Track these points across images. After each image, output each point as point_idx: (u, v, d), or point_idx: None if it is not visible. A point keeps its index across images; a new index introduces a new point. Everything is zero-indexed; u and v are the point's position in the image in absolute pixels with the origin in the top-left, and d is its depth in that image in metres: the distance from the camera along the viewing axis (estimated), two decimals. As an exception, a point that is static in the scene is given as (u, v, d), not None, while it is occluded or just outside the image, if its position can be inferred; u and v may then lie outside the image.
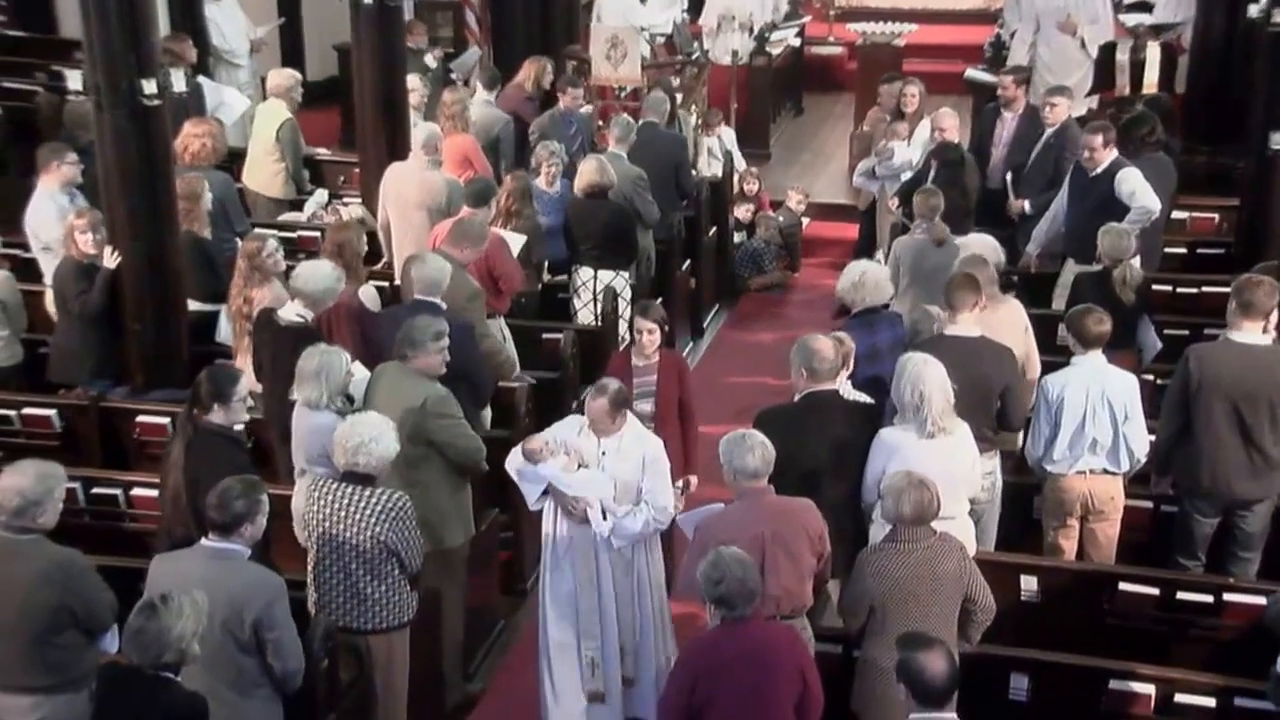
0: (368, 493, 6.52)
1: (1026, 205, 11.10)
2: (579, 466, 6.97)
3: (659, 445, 7.09)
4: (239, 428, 7.11)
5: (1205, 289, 10.18)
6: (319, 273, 8.05)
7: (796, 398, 7.22)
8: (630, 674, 7.20)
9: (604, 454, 6.99)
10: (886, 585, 6.13)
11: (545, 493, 7.04)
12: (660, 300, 11.08)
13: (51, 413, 8.76)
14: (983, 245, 8.89)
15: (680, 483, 7.71)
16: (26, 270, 10.14)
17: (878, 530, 6.93)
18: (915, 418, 6.88)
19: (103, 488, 8.06)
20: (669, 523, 7.10)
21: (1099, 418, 7.53)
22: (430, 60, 14.08)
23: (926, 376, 6.87)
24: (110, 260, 8.81)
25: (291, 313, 7.95)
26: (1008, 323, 8.22)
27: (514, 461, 7.08)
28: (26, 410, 8.78)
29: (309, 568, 6.72)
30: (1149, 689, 6.59)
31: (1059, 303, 9.76)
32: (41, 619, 5.97)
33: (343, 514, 6.51)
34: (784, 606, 6.33)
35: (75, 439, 8.75)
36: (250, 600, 5.85)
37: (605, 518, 6.90)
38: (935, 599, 6.16)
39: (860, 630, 6.31)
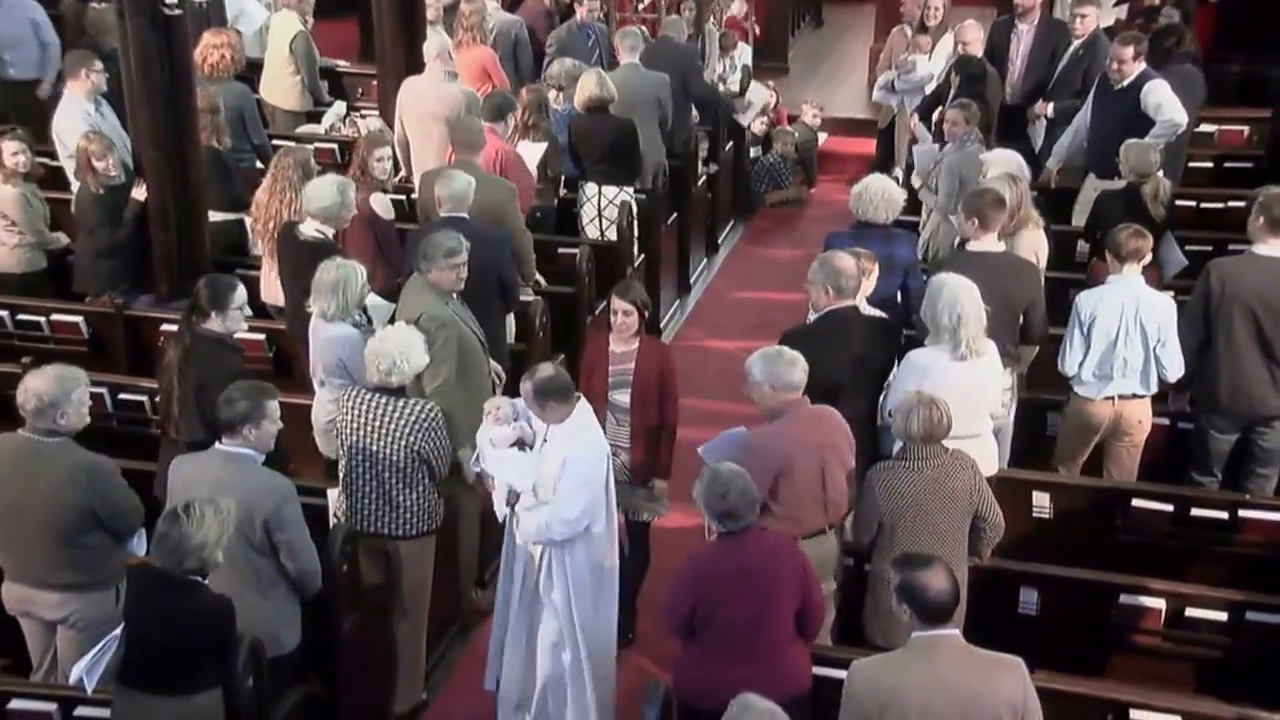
0: (401, 403, 6.62)
1: (1050, 109, 10.97)
2: (518, 443, 6.52)
3: (589, 451, 6.34)
4: (238, 335, 7.18)
5: (1231, 204, 10.02)
6: (321, 190, 8.04)
7: (812, 316, 7.22)
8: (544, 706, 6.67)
9: (545, 440, 6.43)
10: (896, 502, 6.17)
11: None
12: (675, 216, 11.20)
13: (79, 319, 8.84)
14: (1007, 161, 8.84)
15: (651, 483, 7.24)
16: (55, 178, 10.15)
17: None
18: (950, 340, 6.86)
19: (129, 394, 8.14)
20: (564, 536, 6.36)
21: (1131, 338, 7.48)
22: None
23: (963, 299, 6.83)
24: (139, 192, 8.84)
25: (311, 228, 7.98)
26: (1027, 248, 8.19)
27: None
28: (55, 316, 8.86)
29: (340, 475, 6.82)
30: (1159, 603, 6.65)
31: (1079, 219, 9.73)
32: (68, 520, 6.08)
33: (377, 424, 6.62)
34: (841, 511, 6.45)
35: (103, 346, 8.84)
36: (260, 503, 5.94)
37: (512, 505, 6.43)
38: (945, 516, 6.20)
39: (870, 544, 6.36)
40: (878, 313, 7.54)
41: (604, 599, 6.55)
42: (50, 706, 5.88)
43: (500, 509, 6.49)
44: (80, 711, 5.85)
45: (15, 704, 5.88)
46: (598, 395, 7.05)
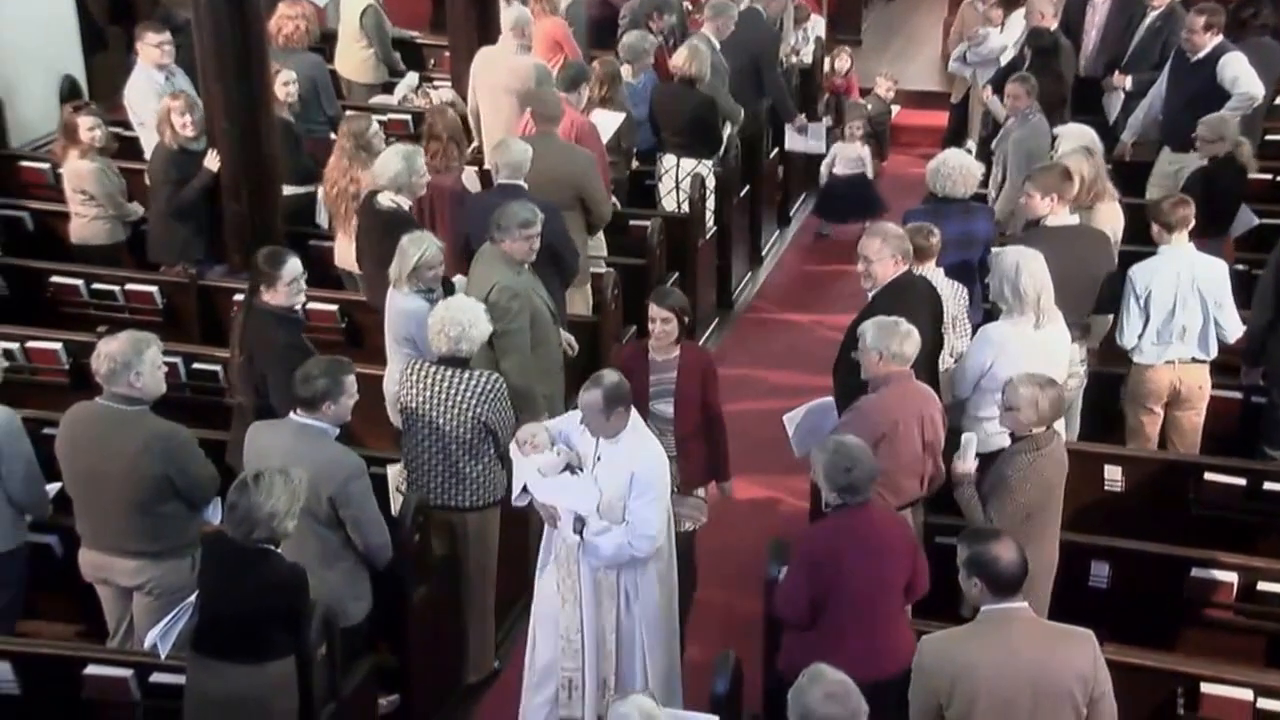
0: (466, 374, 6.63)
1: (1128, 82, 10.83)
2: (567, 469, 6.16)
3: (655, 462, 6.09)
4: (299, 307, 7.20)
5: (1311, 180, 9.88)
6: (387, 160, 8.07)
7: (872, 294, 7.03)
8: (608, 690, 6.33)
9: (599, 458, 6.10)
10: (1041, 493, 6.10)
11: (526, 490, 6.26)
12: (748, 189, 11.16)
13: (154, 289, 8.94)
14: (1079, 134, 8.74)
15: (701, 491, 7.02)
16: (129, 148, 10.27)
17: (973, 426, 6.95)
18: (1031, 311, 6.83)
19: (202, 363, 8.23)
20: (647, 552, 6.11)
21: (1189, 305, 7.46)
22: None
23: (1033, 270, 6.80)
24: (212, 161, 8.92)
25: (387, 198, 8.03)
26: (1104, 222, 8.09)
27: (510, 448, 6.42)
28: (130, 286, 8.96)
29: (401, 449, 6.86)
30: (1231, 577, 6.59)
31: (1153, 192, 9.61)
32: (144, 488, 6.16)
33: (442, 396, 6.63)
34: (936, 483, 6.44)
35: (177, 315, 8.94)
36: (327, 478, 5.96)
37: (581, 531, 6.05)
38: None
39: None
40: (949, 283, 7.51)
41: (674, 620, 6.39)
42: (126, 672, 5.96)
43: (570, 538, 6.09)
44: (156, 677, 5.92)
45: (92, 669, 5.96)
46: (639, 406, 6.59)
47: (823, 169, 12.08)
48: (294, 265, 6.99)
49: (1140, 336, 7.55)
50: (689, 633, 7.02)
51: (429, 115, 9.36)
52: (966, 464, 6.19)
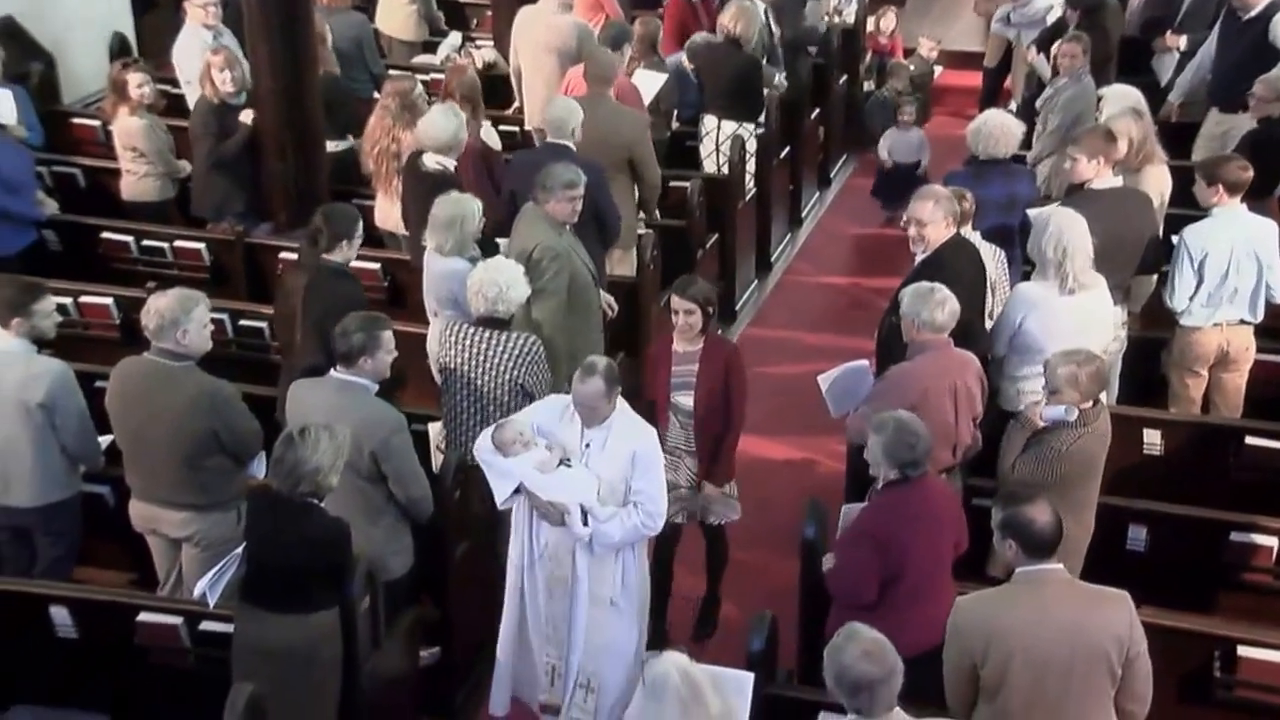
0: (503, 336, 6.68)
1: (1182, 41, 10.71)
2: (560, 462, 5.95)
3: (652, 438, 6.00)
4: (353, 264, 7.31)
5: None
6: (435, 120, 8.11)
7: (919, 257, 7.06)
8: (589, 685, 6.15)
9: (588, 446, 5.94)
10: (1081, 466, 6.12)
11: (518, 490, 5.97)
12: (788, 150, 11.14)
13: (201, 246, 9.03)
14: (1124, 95, 8.67)
15: (727, 487, 6.85)
16: (177, 106, 10.34)
17: (1008, 386, 6.97)
18: (1056, 274, 6.81)
19: (249, 320, 8.31)
20: (659, 528, 6.06)
21: (1243, 268, 7.41)
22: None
23: (1068, 232, 6.78)
24: (247, 117, 9.00)
25: (433, 160, 8.06)
26: (1152, 185, 8.06)
27: (484, 450, 6.01)
28: (178, 243, 9.06)
29: (441, 408, 6.92)
30: (1271, 541, 6.59)
31: (1200, 153, 9.53)
32: (191, 443, 6.26)
33: (480, 357, 6.69)
34: (968, 452, 6.45)
35: (223, 273, 9.02)
36: (369, 433, 6.01)
37: (586, 521, 5.87)
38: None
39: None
40: (988, 246, 7.51)
41: (640, 559, 6.19)
42: (177, 620, 6.09)
43: (580, 532, 5.86)
44: (205, 625, 6.05)
45: (144, 616, 6.11)
46: (661, 396, 6.69)
47: (881, 153, 11.70)
48: (361, 223, 7.16)
49: (1191, 299, 7.50)
50: (724, 591, 7.09)
51: (447, 75, 9.40)
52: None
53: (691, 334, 6.61)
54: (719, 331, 7.54)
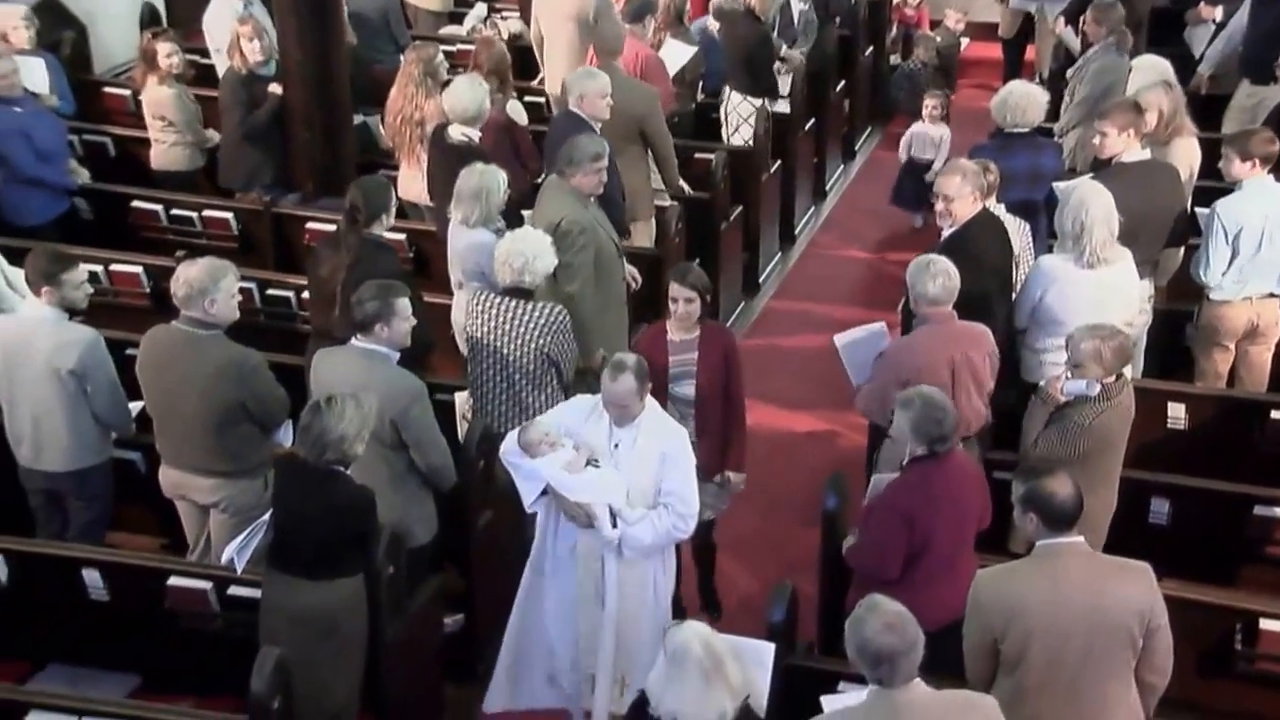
0: (530, 306, 6.70)
1: (1218, 12, 10.62)
2: (587, 463, 5.79)
3: (683, 437, 5.89)
4: (389, 236, 7.37)
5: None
6: (461, 91, 8.12)
7: (946, 232, 7.03)
8: (622, 681, 6.02)
9: (616, 446, 5.81)
10: (1102, 441, 6.10)
11: (545, 492, 5.87)
12: (812, 122, 11.11)
13: (229, 215, 9.07)
14: (1152, 66, 8.62)
15: (719, 478, 6.66)
16: (207, 76, 10.38)
17: (1030, 358, 6.96)
18: (1075, 247, 6.79)
19: (276, 289, 8.36)
20: (691, 530, 5.93)
21: (1275, 241, 7.36)
22: None
23: (1093, 206, 6.74)
24: (277, 87, 9.04)
25: (459, 132, 8.08)
26: (1182, 158, 8.02)
27: (510, 451, 5.90)
28: (207, 213, 9.10)
29: (468, 377, 6.95)
30: (1295, 515, 6.57)
31: (1230, 125, 9.47)
32: (219, 411, 6.32)
33: (507, 327, 6.71)
34: (974, 427, 6.42)
35: (251, 242, 9.06)
36: (390, 401, 6.03)
37: (615, 524, 5.74)
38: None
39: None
40: (1013, 219, 7.50)
41: (670, 564, 6.12)
42: (206, 585, 6.17)
43: (609, 534, 5.74)
44: (233, 590, 6.13)
45: (174, 580, 6.19)
46: (658, 388, 6.31)
47: (900, 151, 11.45)
48: (395, 195, 7.23)
49: (1224, 274, 7.46)
50: (744, 563, 7.13)
51: (476, 47, 9.41)
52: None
53: (689, 322, 6.52)
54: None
